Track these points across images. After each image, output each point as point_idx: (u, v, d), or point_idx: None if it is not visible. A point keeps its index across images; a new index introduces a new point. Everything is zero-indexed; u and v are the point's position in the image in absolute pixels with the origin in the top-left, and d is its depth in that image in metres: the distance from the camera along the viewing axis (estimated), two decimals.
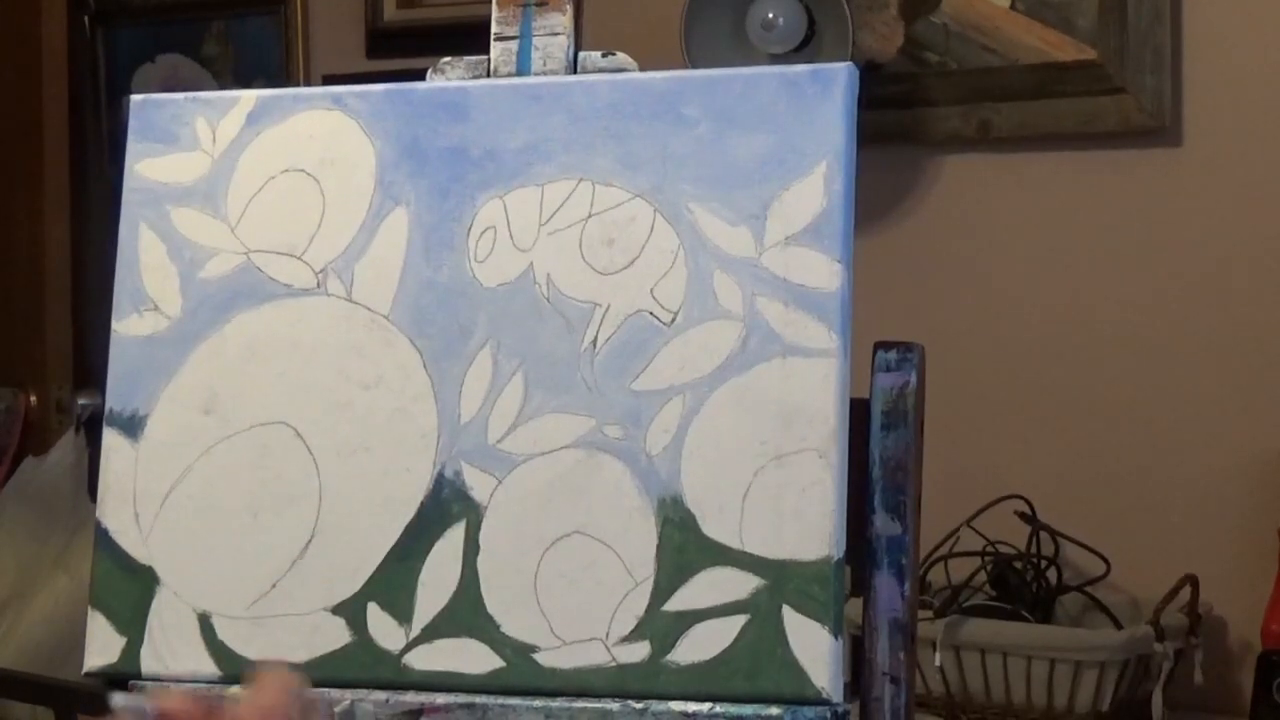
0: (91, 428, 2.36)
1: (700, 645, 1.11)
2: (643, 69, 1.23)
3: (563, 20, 1.26)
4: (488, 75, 1.26)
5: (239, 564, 1.19)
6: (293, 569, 1.18)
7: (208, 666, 1.18)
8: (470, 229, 1.21)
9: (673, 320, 1.17)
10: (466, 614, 1.15)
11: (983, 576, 2.00)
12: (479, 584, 1.16)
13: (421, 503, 1.18)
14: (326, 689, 1.14)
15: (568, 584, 1.14)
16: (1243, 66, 2.03)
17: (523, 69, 1.26)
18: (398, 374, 1.20)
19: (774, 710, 1.09)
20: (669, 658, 1.12)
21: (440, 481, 1.18)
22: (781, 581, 1.11)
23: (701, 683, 1.11)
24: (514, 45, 1.26)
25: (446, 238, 1.22)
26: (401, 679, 1.15)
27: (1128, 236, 2.09)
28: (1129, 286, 2.09)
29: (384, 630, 1.16)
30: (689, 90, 1.20)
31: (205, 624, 1.19)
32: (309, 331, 1.22)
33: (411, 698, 1.14)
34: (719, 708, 1.10)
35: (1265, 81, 2.02)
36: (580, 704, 1.12)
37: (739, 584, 1.12)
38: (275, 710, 0.90)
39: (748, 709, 1.09)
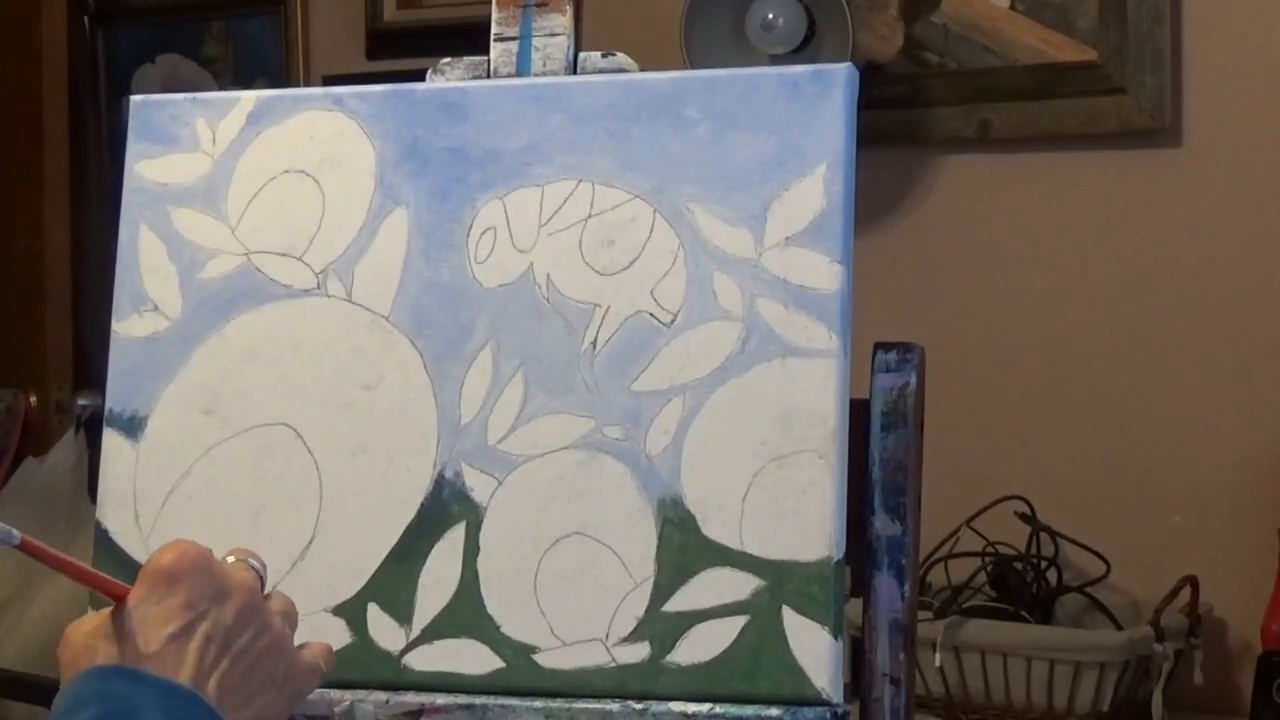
0: (91, 428, 2.36)
1: (700, 646, 1.11)
2: (643, 69, 1.23)
3: (563, 21, 1.26)
4: (488, 76, 1.26)
5: None
6: (293, 570, 1.18)
7: None
8: (470, 230, 1.21)
9: (672, 321, 1.17)
10: (466, 615, 1.15)
11: (983, 577, 2.00)
12: (479, 585, 1.16)
13: (421, 503, 1.18)
14: (327, 689, 1.14)
15: (568, 584, 1.14)
16: (1243, 66, 2.03)
17: (523, 70, 1.26)
18: (398, 375, 1.20)
19: (774, 711, 1.09)
20: (669, 658, 1.12)
21: (440, 482, 1.18)
22: (781, 582, 1.11)
23: (701, 683, 1.11)
24: (514, 46, 1.26)
25: (446, 238, 1.22)
26: (402, 679, 1.15)
27: (1127, 237, 2.09)
28: (1129, 287, 2.09)
29: (384, 631, 1.16)
30: (689, 91, 1.20)
31: None
32: (309, 332, 1.22)
33: (412, 698, 1.14)
34: (719, 708, 1.10)
35: (1265, 81, 2.02)
36: (580, 704, 1.12)
37: (739, 585, 1.12)
38: (187, 554, 0.89)
39: (748, 710, 1.09)
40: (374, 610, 1.17)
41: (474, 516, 1.17)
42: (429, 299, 1.21)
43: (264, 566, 0.94)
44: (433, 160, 1.23)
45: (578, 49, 1.26)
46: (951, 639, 1.88)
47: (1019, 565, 1.98)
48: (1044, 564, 1.99)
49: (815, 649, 1.09)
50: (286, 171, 1.26)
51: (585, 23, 1.28)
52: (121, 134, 1.29)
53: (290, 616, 0.94)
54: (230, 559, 0.93)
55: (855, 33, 2.08)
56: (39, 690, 1.90)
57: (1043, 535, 2.00)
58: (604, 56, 1.25)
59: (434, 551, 1.17)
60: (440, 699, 1.14)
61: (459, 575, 1.16)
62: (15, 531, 0.85)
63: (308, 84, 2.60)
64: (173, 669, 0.86)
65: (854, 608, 1.15)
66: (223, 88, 2.65)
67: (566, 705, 1.12)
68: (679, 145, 1.19)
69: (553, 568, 1.15)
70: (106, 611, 0.88)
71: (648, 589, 1.13)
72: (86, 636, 0.88)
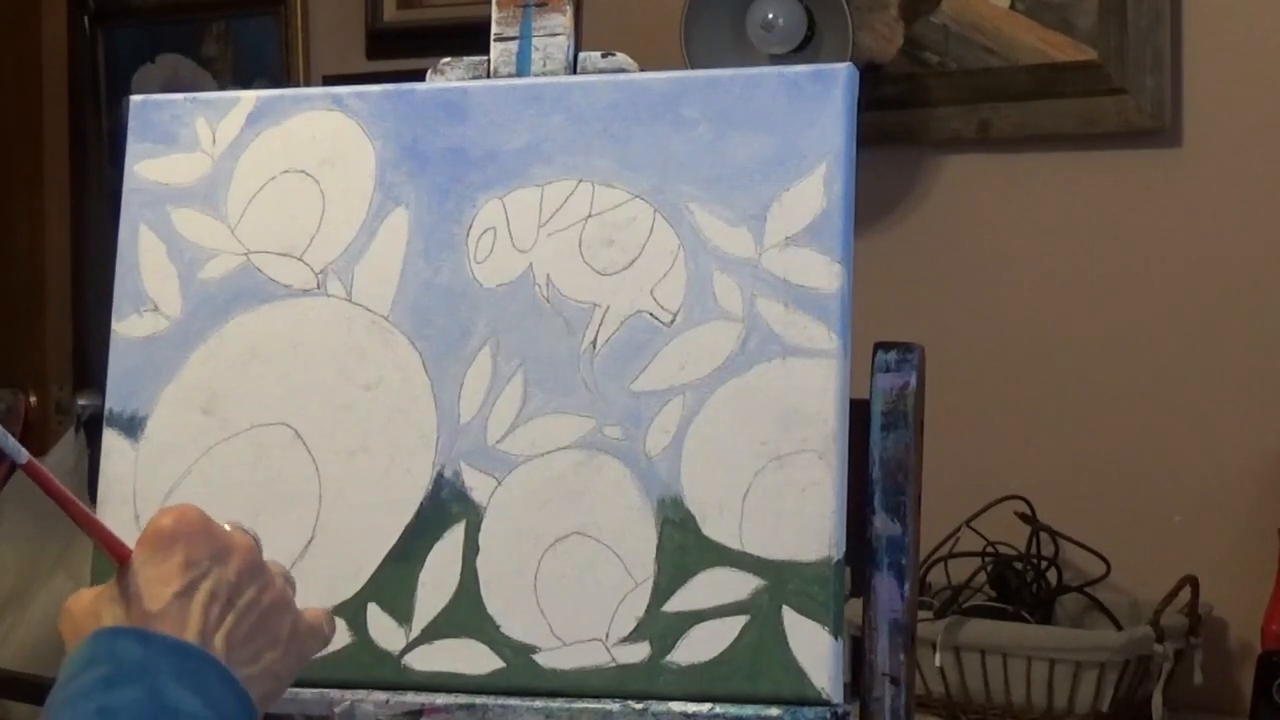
0: (91, 428, 2.36)
1: (700, 646, 1.11)
2: (643, 69, 1.23)
3: (563, 21, 1.26)
4: (488, 76, 1.26)
5: None
6: (293, 570, 1.17)
7: None
8: (470, 229, 1.21)
9: (672, 321, 1.17)
10: (466, 615, 1.15)
11: (983, 577, 2.00)
12: (479, 585, 1.16)
13: (421, 503, 1.18)
14: (326, 689, 1.14)
15: (567, 584, 1.14)
16: (1243, 66, 2.03)
17: (523, 69, 1.26)
18: (397, 375, 1.20)
19: (774, 711, 1.09)
20: (669, 658, 1.12)
21: (440, 482, 1.18)
22: (781, 582, 1.11)
23: (701, 683, 1.11)
24: (514, 46, 1.26)
25: (446, 238, 1.22)
26: (402, 679, 1.15)
27: (1127, 237, 2.09)
28: (1129, 286, 2.09)
29: (384, 631, 1.16)
30: (689, 91, 1.20)
31: None
32: (309, 332, 1.22)
33: (412, 698, 1.14)
34: (719, 708, 1.10)
35: (1265, 81, 2.02)
36: (580, 704, 1.12)
37: (739, 585, 1.12)
38: (186, 515, 0.89)
39: (748, 710, 1.09)
40: (374, 610, 1.17)
41: (473, 516, 1.17)
42: (429, 299, 1.21)
43: (258, 537, 0.95)
44: (432, 160, 1.23)
45: (578, 49, 1.26)
46: (951, 639, 1.88)
47: (1019, 565, 1.98)
48: (1044, 564, 1.99)
49: (815, 649, 1.09)
50: (286, 171, 1.26)
51: (585, 23, 1.28)
52: (121, 134, 1.29)
53: (289, 579, 0.95)
54: (226, 526, 0.93)
55: (855, 33, 2.08)
56: (39, 690, 1.90)
57: (1043, 535, 2.00)
58: (604, 56, 1.25)
59: (433, 551, 1.17)
60: (440, 699, 1.14)
61: (458, 575, 1.16)
62: (24, 450, 0.85)
63: (308, 84, 2.60)
64: (178, 627, 0.86)
65: (854, 608, 1.15)
66: (223, 88, 2.65)
67: (566, 705, 1.12)
68: (679, 145, 1.19)
69: (552, 568, 1.15)
70: (106, 583, 0.88)
71: (648, 589, 1.13)
72: (90, 603, 0.88)
